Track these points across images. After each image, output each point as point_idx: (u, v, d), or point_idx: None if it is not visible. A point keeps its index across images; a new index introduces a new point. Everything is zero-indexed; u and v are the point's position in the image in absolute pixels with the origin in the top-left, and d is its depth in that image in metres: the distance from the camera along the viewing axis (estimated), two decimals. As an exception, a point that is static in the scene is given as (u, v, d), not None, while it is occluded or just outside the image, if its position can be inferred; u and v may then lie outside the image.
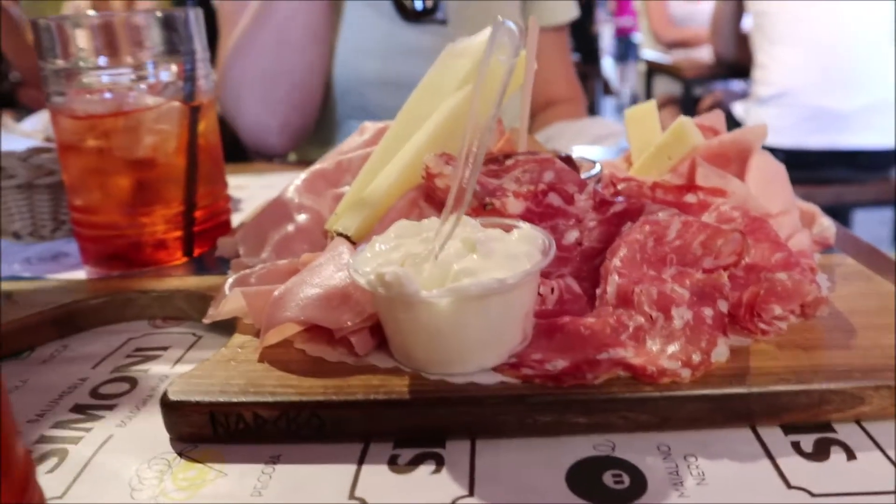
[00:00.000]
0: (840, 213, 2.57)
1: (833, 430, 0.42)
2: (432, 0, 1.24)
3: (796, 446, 0.40)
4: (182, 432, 0.43)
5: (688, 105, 2.99)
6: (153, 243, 0.70)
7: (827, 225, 0.65)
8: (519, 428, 0.41)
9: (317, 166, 0.69)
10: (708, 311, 0.46)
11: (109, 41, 0.66)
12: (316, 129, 1.34)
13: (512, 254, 0.43)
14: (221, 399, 0.42)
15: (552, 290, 0.49)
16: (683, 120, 0.63)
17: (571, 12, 1.43)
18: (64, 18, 0.66)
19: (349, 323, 0.45)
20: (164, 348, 0.56)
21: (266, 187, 1.04)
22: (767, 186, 0.62)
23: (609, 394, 0.41)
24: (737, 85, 3.09)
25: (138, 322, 0.61)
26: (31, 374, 0.53)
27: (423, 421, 0.41)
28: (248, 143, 1.28)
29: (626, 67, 7.04)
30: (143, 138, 0.68)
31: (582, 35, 5.21)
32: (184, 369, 0.47)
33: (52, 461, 0.42)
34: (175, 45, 0.68)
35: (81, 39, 0.66)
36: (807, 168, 2.27)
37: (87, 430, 0.45)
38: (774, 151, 0.66)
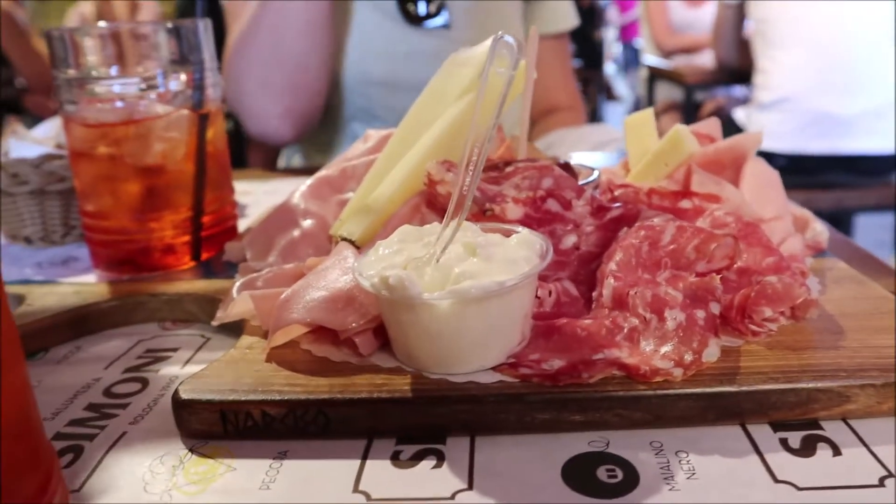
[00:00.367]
0: (841, 218, 2.58)
1: (820, 428, 0.43)
2: (435, 5, 1.26)
3: (784, 443, 0.42)
4: (193, 429, 0.44)
5: (689, 111, 3.00)
6: (162, 248, 0.72)
7: (820, 230, 0.66)
8: (517, 425, 0.43)
9: (322, 173, 0.70)
10: (700, 313, 0.47)
11: (120, 51, 0.68)
12: (321, 132, 1.36)
13: (511, 258, 0.44)
14: (231, 397, 0.43)
15: (550, 292, 0.51)
16: (679, 128, 0.64)
17: (572, 21, 1.45)
18: (76, 29, 0.68)
19: (354, 324, 0.47)
20: (174, 350, 0.58)
21: (270, 193, 1.05)
22: (761, 192, 0.64)
23: (604, 392, 0.43)
24: (739, 90, 3.10)
25: (148, 324, 0.63)
26: (45, 374, 0.54)
27: (425, 418, 0.43)
28: (252, 131, 1.29)
29: (633, 74, 7.07)
30: (153, 145, 0.70)
31: (584, 41, 5.23)
32: (193, 370, 0.49)
33: (68, 457, 0.43)
34: (184, 54, 0.70)
35: (93, 49, 0.68)
36: (808, 173, 2.28)
37: (102, 427, 0.47)
38: (776, 156, 0.68)
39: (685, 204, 0.60)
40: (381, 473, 0.40)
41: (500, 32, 0.43)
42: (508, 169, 0.58)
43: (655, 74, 3.49)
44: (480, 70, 0.64)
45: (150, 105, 0.70)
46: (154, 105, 0.70)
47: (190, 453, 0.43)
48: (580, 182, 0.60)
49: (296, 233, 0.65)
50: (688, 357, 0.44)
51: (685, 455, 0.41)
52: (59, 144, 0.89)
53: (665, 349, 0.45)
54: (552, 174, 0.58)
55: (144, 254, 0.71)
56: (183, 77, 0.71)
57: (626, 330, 0.47)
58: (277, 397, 0.43)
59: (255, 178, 1.18)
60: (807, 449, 0.41)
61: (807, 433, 0.43)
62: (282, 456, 0.42)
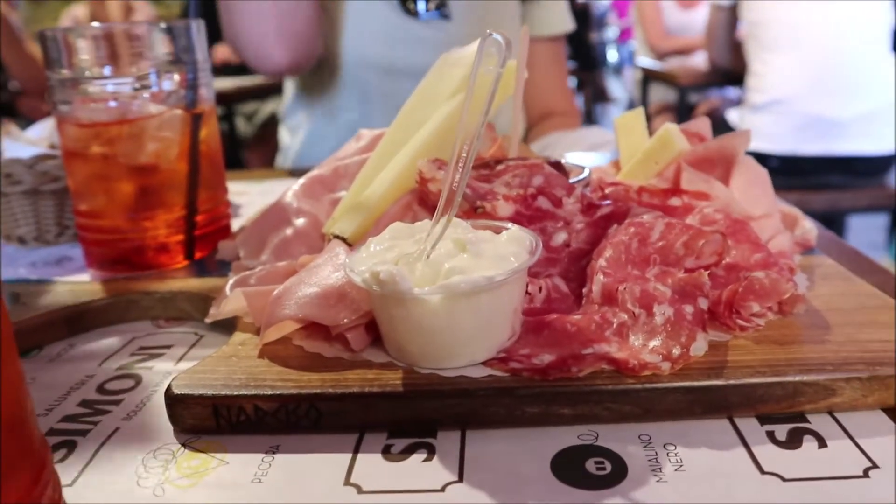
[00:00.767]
0: (835, 219, 2.59)
1: (806, 421, 0.44)
2: (434, 3, 1.27)
3: (771, 435, 0.42)
4: (186, 424, 0.45)
5: (683, 112, 3.02)
6: (155, 247, 0.72)
7: (808, 227, 0.67)
8: (507, 419, 0.43)
9: (314, 172, 0.71)
10: (688, 308, 0.48)
11: (113, 51, 0.68)
12: (318, 119, 1.37)
13: (501, 254, 0.45)
14: (224, 392, 0.44)
15: (540, 289, 0.51)
16: (669, 126, 0.65)
17: (567, 24, 1.45)
18: (70, 30, 0.68)
19: (345, 320, 0.47)
20: (168, 347, 0.58)
21: (264, 193, 1.06)
22: (750, 190, 0.65)
23: (593, 386, 0.43)
24: (732, 92, 3.11)
25: (142, 322, 0.63)
26: (39, 371, 0.55)
27: (416, 412, 0.43)
28: (249, 56, 1.29)
29: (627, 75, 7.12)
30: (147, 145, 0.71)
31: (579, 43, 5.25)
32: (186, 366, 0.49)
33: (62, 452, 0.44)
34: (177, 54, 0.70)
35: (86, 50, 0.68)
36: (801, 174, 2.29)
37: (95, 423, 0.47)
38: (769, 158, 0.68)
39: (675, 201, 0.60)
40: (372, 467, 0.41)
41: (488, 31, 0.43)
42: (499, 167, 0.59)
43: (649, 76, 3.50)
44: (470, 70, 0.65)
45: (143, 105, 0.71)
46: (147, 105, 0.71)
47: (183, 448, 0.43)
48: (571, 180, 0.61)
49: (289, 231, 0.66)
50: (676, 351, 0.45)
51: (673, 448, 0.41)
52: (53, 145, 0.89)
53: (653, 343, 0.45)
54: (543, 172, 0.58)
55: (138, 253, 0.71)
56: (176, 77, 0.71)
57: (615, 325, 0.47)
58: (270, 392, 0.44)
59: (250, 178, 1.18)
60: (793, 441, 0.42)
61: (793, 426, 0.43)
62: (274, 450, 0.43)
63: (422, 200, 0.59)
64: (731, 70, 2.69)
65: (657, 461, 0.40)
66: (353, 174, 0.67)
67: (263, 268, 0.59)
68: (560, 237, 0.56)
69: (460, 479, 0.39)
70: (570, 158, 0.66)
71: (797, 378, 0.43)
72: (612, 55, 7.57)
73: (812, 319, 0.51)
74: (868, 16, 2.22)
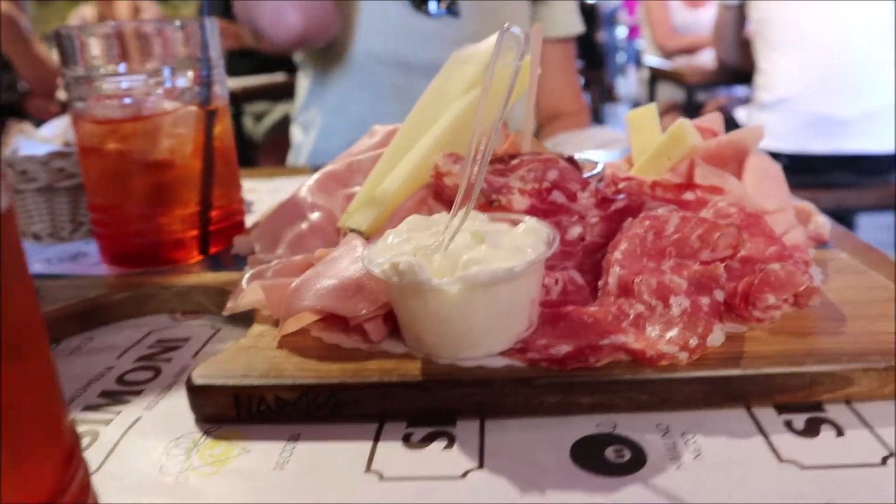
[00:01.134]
0: (842, 218, 2.58)
1: (823, 410, 0.44)
2: (445, 2, 1.28)
3: (788, 424, 0.43)
4: (206, 414, 0.45)
5: (691, 111, 3.01)
6: (170, 242, 0.73)
7: (822, 222, 0.67)
8: (526, 408, 0.44)
9: (328, 167, 0.71)
10: (705, 300, 0.48)
11: (128, 48, 0.69)
12: (328, 114, 1.38)
13: (518, 245, 0.45)
14: (244, 382, 0.44)
15: (556, 281, 0.52)
16: (682, 122, 0.65)
17: (577, 26, 1.46)
18: (85, 28, 0.69)
19: (364, 311, 0.48)
20: (185, 339, 0.58)
21: (274, 191, 1.06)
22: (763, 185, 0.65)
23: (611, 376, 0.43)
24: (740, 91, 3.11)
25: (158, 316, 0.64)
26: (59, 364, 0.55)
27: (435, 401, 0.44)
28: (265, 27, 1.29)
29: (633, 73, 7.13)
30: (161, 141, 0.71)
31: (586, 42, 5.24)
32: (205, 358, 0.50)
33: (85, 441, 0.44)
34: (191, 51, 0.71)
35: (101, 47, 0.69)
36: (809, 173, 2.29)
37: (116, 412, 0.47)
38: (776, 156, 0.69)
39: (688, 196, 0.60)
40: (393, 454, 0.41)
41: (506, 24, 0.44)
42: (514, 162, 0.59)
43: (657, 75, 3.50)
44: (484, 66, 0.65)
45: (157, 102, 0.71)
46: (162, 102, 0.71)
47: (204, 436, 0.44)
48: (585, 175, 0.61)
49: (304, 226, 0.66)
50: (693, 342, 0.45)
51: (691, 436, 0.42)
52: (67, 142, 0.90)
53: (670, 334, 0.46)
54: (557, 167, 0.58)
55: (153, 248, 0.72)
56: (190, 74, 0.72)
57: (631, 316, 0.47)
58: (290, 381, 0.44)
59: (260, 176, 1.19)
60: (811, 430, 0.42)
61: (810, 415, 0.43)
62: (295, 438, 0.43)
63: (437, 195, 0.59)
64: (738, 68, 2.68)
65: (675, 449, 0.40)
66: (367, 170, 0.67)
67: (280, 261, 0.59)
68: (575, 231, 0.56)
69: (481, 467, 0.40)
70: (583, 154, 0.66)
71: (814, 368, 0.44)
72: (620, 55, 7.57)
73: (827, 311, 0.51)
74: (874, 14, 2.21)
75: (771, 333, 0.48)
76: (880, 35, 2.22)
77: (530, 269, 0.44)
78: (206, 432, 0.44)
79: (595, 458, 0.40)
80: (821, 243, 0.66)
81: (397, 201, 0.60)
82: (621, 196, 0.58)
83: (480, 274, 0.42)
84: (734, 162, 0.68)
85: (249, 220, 0.84)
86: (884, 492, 0.37)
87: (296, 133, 1.52)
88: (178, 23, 0.71)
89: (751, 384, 0.43)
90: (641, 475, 0.38)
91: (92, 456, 0.42)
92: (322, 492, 0.38)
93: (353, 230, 0.59)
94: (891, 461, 0.39)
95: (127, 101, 0.70)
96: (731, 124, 2.46)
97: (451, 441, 0.42)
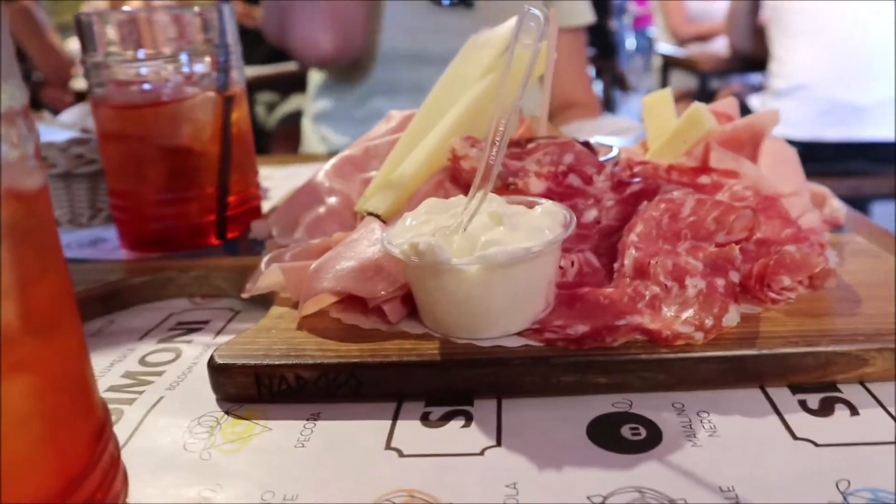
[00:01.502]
0: (857, 206, 2.56)
1: (838, 390, 0.44)
2: None
3: (803, 404, 0.43)
4: (228, 393, 0.46)
5: (704, 99, 2.97)
6: (189, 227, 0.73)
7: (837, 206, 0.67)
8: (543, 387, 0.44)
9: (345, 152, 0.72)
10: (720, 281, 0.49)
11: (146, 34, 0.70)
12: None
13: (536, 226, 0.46)
14: (265, 362, 0.45)
15: (572, 263, 0.52)
16: (698, 105, 0.65)
17: (588, 16, 1.46)
18: (103, 14, 0.69)
19: (382, 292, 0.48)
20: (205, 322, 0.59)
21: (289, 178, 1.07)
22: (779, 169, 0.65)
23: (627, 355, 0.44)
24: (754, 78, 3.09)
25: (178, 299, 0.65)
26: (82, 345, 0.56)
27: (453, 381, 0.44)
28: (298, 48, 1.31)
29: (643, 61, 7.10)
30: (180, 127, 0.72)
31: (598, 30, 5.22)
32: (225, 340, 0.50)
33: (110, 419, 0.45)
34: (209, 37, 0.72)
35: (120, 34, 0.69)
36: (823, 161, 2.27)
37: (140, 392, 0.48)
38: (791, 144, 0.68)
39: (704, 179, 0.60)
40: (411, 432, 0.42)
41: (526, 6, 0.44)
42: (530, 146, 0.60)
43: (669, 63, 3.48)
44: (501, 50, 0.66)
45: (176, 87, 0.72)
46: (180, 87, 0.72)
47: (226, 415, 0.45)
48: (600, 158, 0.61)
49: (321, 210, 0.67)
50: (708, 322, 0.45)
51: (706, 415, 0.42)
52: (85, 129, 0.91)
53: (686, 315, 0.46)
54: (573, 150, 0.59)
55: (171, 233, 0.73)
56: (208, 60, 0.72)
57: (647, 297, 0.48)
58: (310, 361, 0.45)
59: (275, 163, 1.19)
60: (825, 410, 0.42)
61: (825, 395, 0.44)
62: (315, 417, 0.44)
63: (454, 178, 0.60)
64: (752, 56, 2.67)
65: (691, 427, 0.41)
66: (384, 154, 0.68)
67: (298, 245, 0.60)
68: (591, 214, 0.56)
69: (498, 444, 0.40)
70: (598, 140, 0.67)
71: (829, 348, 0.44)
72: (630, 42, 7.54)
73: (842, 293, 0.51)
74: (890, 1, 2.19)
75: (786, 314, 0.48)
76: (896, 19, 2.20)
77: (547, 249, 0.44)
78: (228, 411, 0.45)
79: (611, 436, 0.41)
80: (836, 227, 0.66)
81: (415, 185, 0.60)
82: (637, 179, 0.58)
83: (499, 254, 0.43)
84: (750, 146, 0.68)
85: (265, 207, 0.85)
86: (898, 469, 0.37)
87: (306, 125, 1.52)
88: (195, 8, 0.72)
89: (766, 364, 0.44)
90: (657, 453, 0.39)
91: (117, 434, 0.43)
92: (342, 468, 0.39)
93: (370, 213, 0.60)
94: (905, 439, 0.39)
95: (146, 86, 0.71)
96: (744, 112, 2.44)
97: (469, 420, 0.43)
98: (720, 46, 3.17)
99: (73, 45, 3.23)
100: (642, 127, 0.73)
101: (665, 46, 3.71)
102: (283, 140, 2.67)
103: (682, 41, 3.67)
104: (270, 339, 0.48)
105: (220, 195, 0.74)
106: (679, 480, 0.37)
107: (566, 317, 0.47)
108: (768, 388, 0.45)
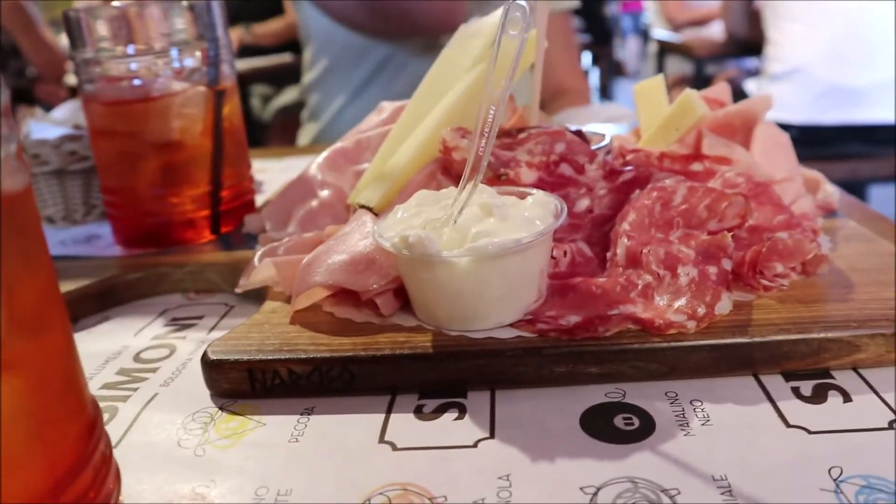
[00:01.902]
0: (855, 190, 2.56)
1: (831, 377, 0.44)
2: None
3: (796, 391, 0.43)
4: (222, 388, 0.46)
5: (700, 84, 2.97)
6: (182, 222, 0.73)
7: (831, 191, 0.67)
8: (536, 378, 0.44)
9: (337, 145, 0.72)
10: (712, 269, 0.48)
11: (136, 30, 0.69)
12: (344, 95, 1.39)
13: (526, 217, 0.46)
14: (258, 357, 0.45)
15: (565, 253, 0.52)
16: (689, 92, 0.65)
17: (573, 0, 1.45)
18: (91, 10, 0.69)
19: (374, 286, 0.48)
20: (199, 318, 0.59)
21: (285, 170, 1.07)
22: (772, 155, 0.65)
23: (620, 345, 0.44)
24: (750, 63, 3.08)
25: (172, 295, 0.65)
26: (76, 343, 0.56)
27: (446, 373, 0.44)
28: (435, 27, 1.30)
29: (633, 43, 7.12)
30: (171, 122, 0.72)
31: (593, 16, 5.20)
32: (219, 335, 0.50)
33: (104, 417, 0.45)
34: (199, 31, 0.71)
35: (109, 29, 0.69)
36: (821, 144, 2.27)
37: (134, 389, 0.48)
38: (788, 128, 0.68)
39: (696, 167, 0.60)
40: (405, 425, 0.42)
41: (512, -4, 0.44)
42: (522, 135, 0.60)
43: (665, 48, 3.47)
44: (491, 39, 0.65)
45: (166, 82, 0.71)
46: (171, 82, 0.72)
47: (220, 411, 0.45)
48: (592, 147, 0.61)
49: (314, 203, 0.66)
50: (701, 310, 0.45)
51: (699, 403, 0.42)
52: (78, 125, 0.90)
53: (678, 303, 0.46)
54: (565, 139, 0.59)
55: (165, 228, 0.73)
56: (198, 54, 0.72)
57: (640, 286, 0.48)
58: (303, 356, 0.45)
59: (271, 156, 1.19)
60: (818, 396, 0.42)
61: (818, 382, 0.44)
62: (309, 412, 0.44)
63: (445, 169, 0.60)
64: (747, 40, 2.66)
65: (684, 416, 0.41)
66: (376, 146, 0.67)
67: (291, 239, 0.60)
68: (583, 203, 0.56)
69: (492, 436, 0.40)
70: (590, 128, 0.66)
71: (822, 335, 0.44)
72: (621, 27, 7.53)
73: (835, 279, 0.51)
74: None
75: (779, 301, 0.48)
76: (893, 2, 2.19)
77: (539, 240, 0.44)
78: (222, 407, 0.45)
79: (604, 426, 0.41)
80: (829, 212, 0.66)
81: (406, 177, 0.60)
82: (629, 168, 0.58)
83: (489, 246, 0.42)
84: (742, 132, 0.68)
85: (260, 200, 0.85)
86: (891, 454, 0.37)
87: (305, 116, 1.52)
88: (184, 3, 0.71)
89: (758, 351, 0.44)
90: (650, 442, 0.39)
91: (112, 431, 0.43)
92: (336, 462, 0.39)
93: (362, 206, 0.60)
94: (898, 425, 0.39)
95: (136, 82, 0.71)
96: (740, 97, 2.44)
97: (463, 412, 0.43)
98: (716, 31, 3.16)
99: (66, 40, 3.22)
100: (636, 113, 0.73)
101: (661, 32, 3.70)
102: (279, 132, 2.67)
103: (677, 26, 3.66)
104: (263, 333, 0.48)
105: (213, 190, 0.74)
106: (672, 470, 0.37)
107: (559, 307, 0.47)
108: (761, 375, 0.45)
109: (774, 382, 0.44)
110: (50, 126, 0.90)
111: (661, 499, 0.35)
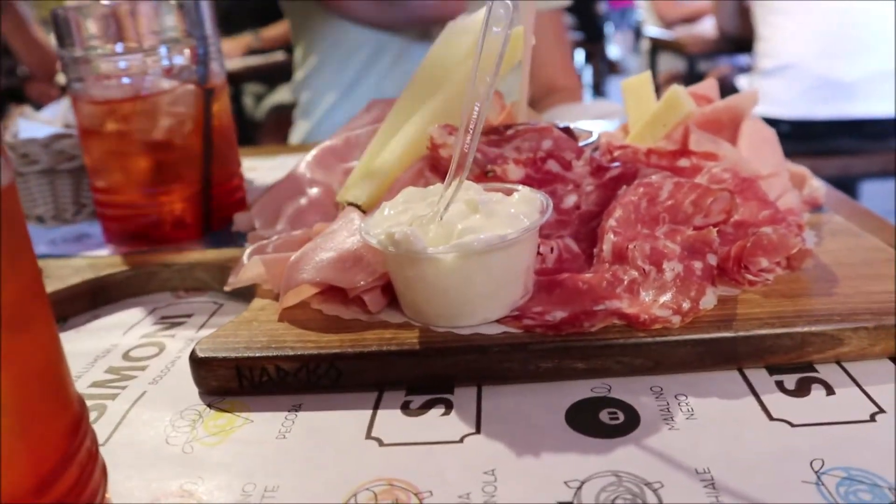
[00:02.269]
0: (847, 185, 2.57)
1: (815, 370, 0.45)
2: None
3: (780, 385, 0.43)
4: (210, 386, 0.46)
5: (692, 81, 2.97)
6: (172, 221, 0.73)
7: (817, 186, 0.68)
8: (522, 374, 0.45)
9: (326, 143, 0.72)
10: (697, 264, 0.49)
11: (124, 28, 0.69)
12: (336, 93, 1.40)
13: (512, 214, 0.46)
14: (246, 354, 0.45)
15: (552, 249, 0.52)
16: (676, 88, 0.65)
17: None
18: (80, 8, 0.69)
19: (362, 283, 0.48)
20: (188, 316, 0.59)
21: (275, 168, 1.07)
22: (758, 150, 0.65)
23: (605, 340, 0.44)
24: (742, 59, 3.09)
25: (161, 294, 0.65)
26: (66, 341, 0.54)
27: (433, 369, 0.45)
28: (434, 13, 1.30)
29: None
30: (160, 121, 0.72)
31: (586, 14, 5.20)
32: (208, 333, 0.51)
33: (93, 415, 0.45)
34: (187, 29, 0.71)
35: (97, 27, 0.69)
36: (813, 139, 2.27)
37: (123, 387, 0.48)
38: (779, 123, 0.69)
39: (683, 162, 0.61)
40: (392, 421, 0.42)
41: (496, -6, 0.44)
42: (509, 132, 0.60)
43: (657, 45, 3.47)
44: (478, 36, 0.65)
45: (155, 81, 0.71)
46: (160, 81, 0.72)
47: (208, 408, 0.45)
48: (580, 144, 0.61)
49: (303, 201, 0.67)
50: (685, 305, 0.46)
51: (684, 398, 0.43)
52: (67, 124, 0.90)
53: (664, 298, 0.46)
54: (552, 136, 0.59)
55: (155, 227, 0.73)
56: (187, 52, 0.72)
57: (625, 282, 0.48)
58: (291, 353, 0.45)
59: (261, 154, 1.19)
60: (801, 390, 0.43)
61: (802, 375, 0.44)
62: (296, 408, 0.44)
63: (433, 166, 0.60)
64: (739, 37, 2.66)
65: (669, 410, 0.41)
66: (365, 144, 0.68)
67: (279, 237, 0.60)
68: (570, 199, 0.57)
69: (478, 431, 0.41)
70: (579, 124, 0.67)
71: (805, 329, 0.44)
72: (607, 25, 7.56)
73: (820, 273, 0.52)
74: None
75: (763, 296, 0.49)
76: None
77: (524, 236, 0.44)
78: (210, 404, 0.45)
79: (590, 420, 0.41)
80: (816, 207, 0.66)
81: (395, 174, 0.60)
82: (616, 164, 0.58)
83: (475, 242, 0.43)
84: (730, 127, 0.68)
85: (251, 198, 0.85)
86: (872, 446, 0.37)
87: (297, 114, 1.52)
88: (173, 1, 0.71)
89: (742, 346, 0.44)
90: (635, 436, 0.39)
91: (100, 429, 0.44)
92: (323, 458, 0.39)
93: (351, 204, 0.60)
94: (880, 418, 0.40)
95: (125, 80, 0.71)
96: (732, 93, 2.45)
97: (449, 407, 0.43)
98: (707, 28, 3.17)
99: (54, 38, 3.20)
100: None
101: (653, 29, 3.70)
102: (272, 131, 2.67)
103: (668, 23, 3.66)
104: (251, 331, 0.48)
105: (202, 188, 0.74)
106: (655, 463, 0.37)
107: (545, 303, 0.47)
108: (746, 369, 0.45)
109: (758, 376, 0.44)
110: (39, 125, 0.90)
111: (645, 492, 0.35)
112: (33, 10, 3.08)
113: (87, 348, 0.55)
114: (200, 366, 0.46)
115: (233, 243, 0.69)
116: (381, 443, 0.40)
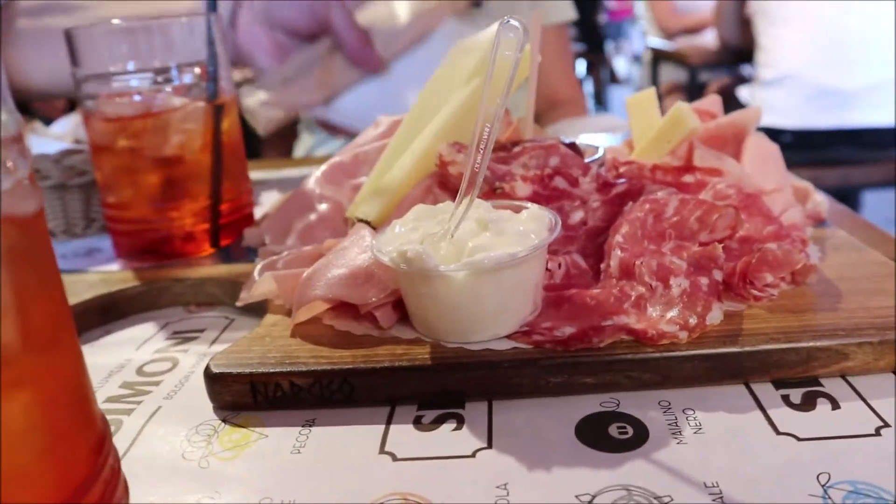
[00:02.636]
0: (848, 195, 2.58)
1: (820, 385, 0.45)
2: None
3: (786, 399, 0.44)
4: (224, 401, 0.47)
5: (694, 92, 3.01)
6: (182, 236, 0.74)
7: (820, 200, 0.68)
8: (532, 389, 0.45)
9: (335, 159, 0.73)
10: (703, 280, 0.50)
11: (136, 46, 0.70)
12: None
13: (522, 231, 0.47)
14: (260, 370, 0.46)
15: (560, 265, 0.53)
16: (681, 105, 0.66)
17: (569, 13, 1.47)
18: (93, 27, 0.70)
19: (373, 299, 0.49)
20: (201, 331, 0.60)
21: (282, 182, 1.08)
22: (762, 166, 0.66)
23: (613, 356, 0.45)
24: (743, 70, 3.10)
25: (173, 308, 0.66)
26: (79, 356, 0.57)
27: (444, 384, 0.45)
28: None
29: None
30: (171, 137, 0.73)
31: (587, 25, 5.22)
32: (220, 348, 0.51)
33: (109, 430, 0.46)
34: (198, 48, 0.72)
35: (109, 46, 0.70)
36: (814, 148, 2.28)
37: (138, 402, 0.49)
38: (781, 133, 0.70)
39: (688, 178, 0.62)
40: (405, 436, 0.43)
41: (505, 17, 0.45)
42: (516, 149, 0.61)
43: (659, 56, 3.49)
44: (486, 55, 0.66)
45: (166, 98, 0.73)
46: (170, 98, 0.73)
47: (223, 423, 0.46)
48: (586, 160, 0.62)
49: (312, 217, 0.68)
50: (692, 320, 0.47)
51: (692, 412, 0.43)
52: (77, 139, 0.91)
53: (671, 314, 0.47)
54: (559, 153, 0.60)
55: (165, 242, 0.74)
56: (197, 70, 0.73)
57: (633, 297, 0.49)
58: (304, 368, 0.46)
59: (268, 167, 1.20)
60: (807, 404, 0.44)
61: (807, 390, 0.45)
62: (310, 423, 0.45)
63: (442, 183, 0.61)
64: (741, 48, 2.68)
65: (677, 425, 0.42)
66: (373, 160, 0.69)
67: (290, 252, 0.61)
68: (577, 215, 0.57)
69: (489, 446, 0.41)
70: (584, 140, 0.68)
71: (810, 344, 0.45)
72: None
73: (824, 288, 0.52)
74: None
75: (769, 311, 0.49)
76: (882, 4, 2.21)
77: (534, 254, 0.45)
78: (225, 419, 0.46)
79: (599, 435, 0.42)
80: (819, 222, 0.67)
81: (403, 191, 0.61)
82: (622, 180, 0.59)
83: (485, 260, 0.44)
84: (733, 143, 0.69)
85: (260, 211, 0.86)
86: (877, 460, 0.38)
87: (303, 127, 1.53)
88: (183, 19, 0.72)
89: (749, 360, 0.45)
90: (644, 450, 0.40)
91: (118, 444, 0.44)
92: (337, 473, 0.40)
93: (360, 220, 0.61)
94: (885, 431, 0.40)
95: (136, 98, 0.72)
96: (734, 104, 2.46)
97: (461, 422, 0.44)
98: (709, 39, 3.18)
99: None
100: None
101: (654, 40, 3.72)
102: (275, 144, 2.67)
103: (670, 34, 3.68)
104: (265, 347, 0.49)
105: (212, 204, 0.75)
106: (665, 477, 0.38)
107: (554, 318, 0.48)
108: (752, 384, 0.46)
109: (765, 391, 0.45)
110: (49, 140, 0.91)
111: (655, 506, 0.36)
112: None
113: (101, 363, 0.55)
114: (215, 381, 0.46)
115: (242, 258, 0.70)
116: (394, 457, 0.41)
